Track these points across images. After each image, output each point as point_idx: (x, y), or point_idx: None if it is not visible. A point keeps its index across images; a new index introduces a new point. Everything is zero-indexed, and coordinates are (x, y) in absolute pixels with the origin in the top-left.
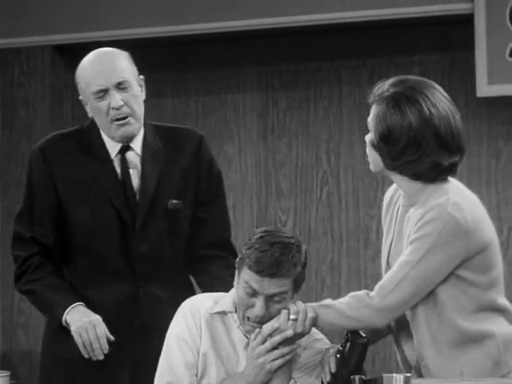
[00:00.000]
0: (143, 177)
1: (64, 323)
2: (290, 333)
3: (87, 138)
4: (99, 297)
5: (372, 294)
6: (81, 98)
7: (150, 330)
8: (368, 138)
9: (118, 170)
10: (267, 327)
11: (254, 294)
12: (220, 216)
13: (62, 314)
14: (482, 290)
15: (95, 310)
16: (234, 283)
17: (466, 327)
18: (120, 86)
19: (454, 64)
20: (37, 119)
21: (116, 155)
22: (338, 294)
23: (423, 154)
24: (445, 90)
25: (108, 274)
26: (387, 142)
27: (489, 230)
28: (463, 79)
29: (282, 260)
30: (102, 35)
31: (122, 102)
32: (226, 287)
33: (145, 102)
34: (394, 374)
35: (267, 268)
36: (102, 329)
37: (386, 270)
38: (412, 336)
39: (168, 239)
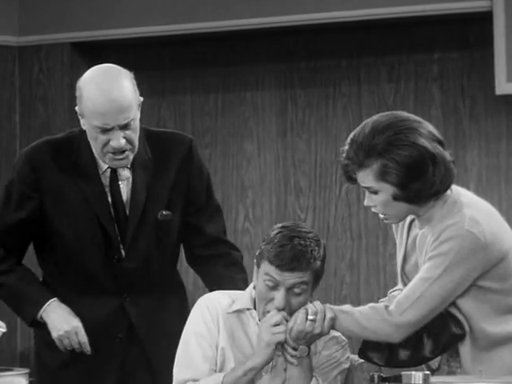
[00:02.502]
0: (133, 189)
1: (39, 318)
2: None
3: (76, 148)
4: (85, 309)
5: (391, 308)
6: (77, 108)
7: (136, 341)
8: (380, 198)
9: (107, 182)
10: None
11: (274, 286)
12: (213, 218)
13: (38, 312)
14: (504, 296)
15: (82, 323)
16: (253, 278)
17: (493, 332)
18: (125, 126)
19: (473, 61)
20: (56, 117)
21: (107, 168)
22: (356, 292)
23: (444, 163)
24: (464, 87)
25: (93, 287)
26: (416, 178)
27: (507, 238)
28: (482, 77)
29: (301, 254)
30: (120, 33)
31: (123, 143)
32: (235, 283)
33: (164, 98)
34: (413, 372)
35: (288, 262)
36: (84, 335)
37: (402, 277)
38: None
39: (157, 250)
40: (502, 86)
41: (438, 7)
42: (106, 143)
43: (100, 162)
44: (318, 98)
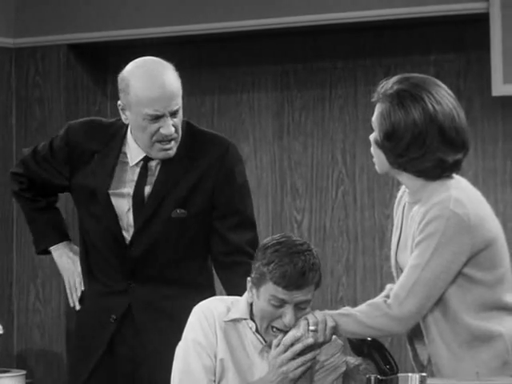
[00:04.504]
0: (156, 183)
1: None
2: (310, 340)
3: (111, 136)
4: (92, 287)
5: (389, 301)
6: (120, 103)
7: (130, 325)
8: (372, 136)
9: (135, 175)
10: (289, 337)
11: (281, 305)
12: (239, 229)
13: (50, 246)
14: (488, 288)
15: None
16: (248, 295)
17: (472, 325)
18: (174, 113)
19: (470, 63)
20: (52, 119)
21: (139, 161)
22: (353, 293)
23: (428, 151)
24: (460, 89)
25: (104, 267)
26: (391, 140)
27: (493, 227)
28: (478, 78)
29: (305, 270)
30: (117, 34)
31: (173, 130)
32: None
33: None
34: (410, 374)
35: (294, 282)
36: (80, 280)
37: (396, 267)
38: (423, 335)
39: (166, 245)
40: (499, 88)
41: (434, 9)
42: (156, 132)
43: (132, 154)
44: (314, 100)
